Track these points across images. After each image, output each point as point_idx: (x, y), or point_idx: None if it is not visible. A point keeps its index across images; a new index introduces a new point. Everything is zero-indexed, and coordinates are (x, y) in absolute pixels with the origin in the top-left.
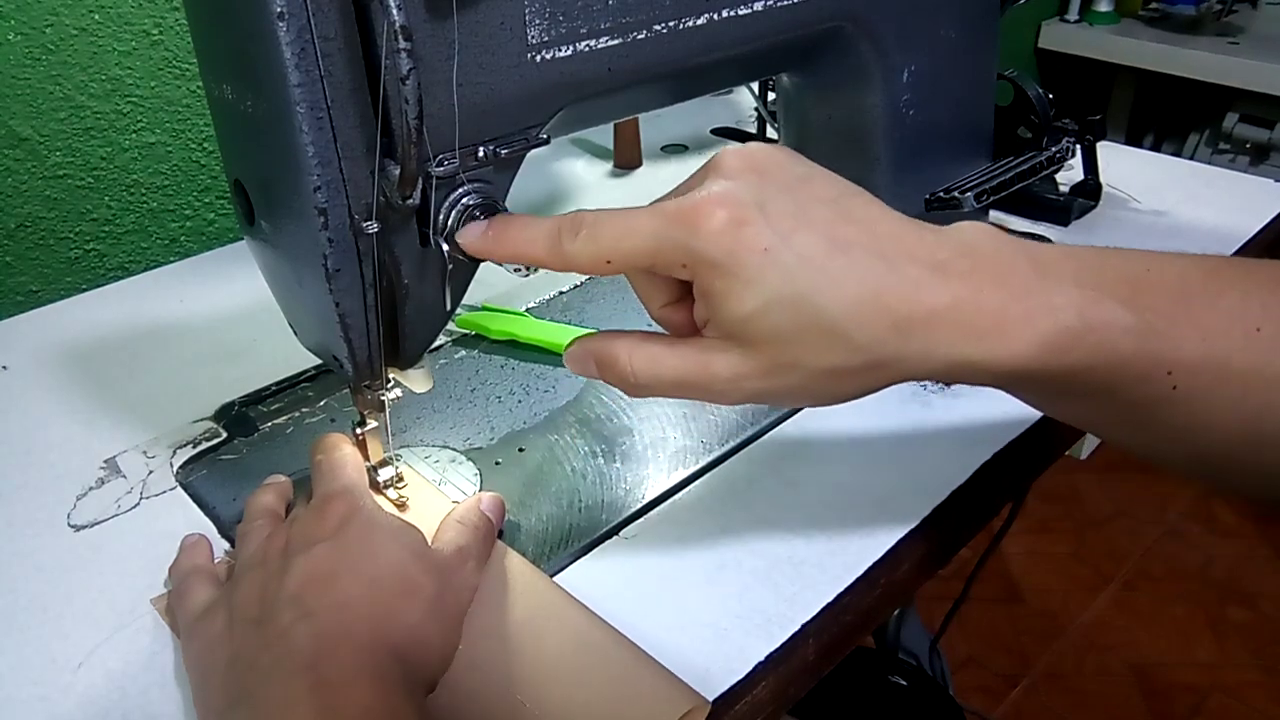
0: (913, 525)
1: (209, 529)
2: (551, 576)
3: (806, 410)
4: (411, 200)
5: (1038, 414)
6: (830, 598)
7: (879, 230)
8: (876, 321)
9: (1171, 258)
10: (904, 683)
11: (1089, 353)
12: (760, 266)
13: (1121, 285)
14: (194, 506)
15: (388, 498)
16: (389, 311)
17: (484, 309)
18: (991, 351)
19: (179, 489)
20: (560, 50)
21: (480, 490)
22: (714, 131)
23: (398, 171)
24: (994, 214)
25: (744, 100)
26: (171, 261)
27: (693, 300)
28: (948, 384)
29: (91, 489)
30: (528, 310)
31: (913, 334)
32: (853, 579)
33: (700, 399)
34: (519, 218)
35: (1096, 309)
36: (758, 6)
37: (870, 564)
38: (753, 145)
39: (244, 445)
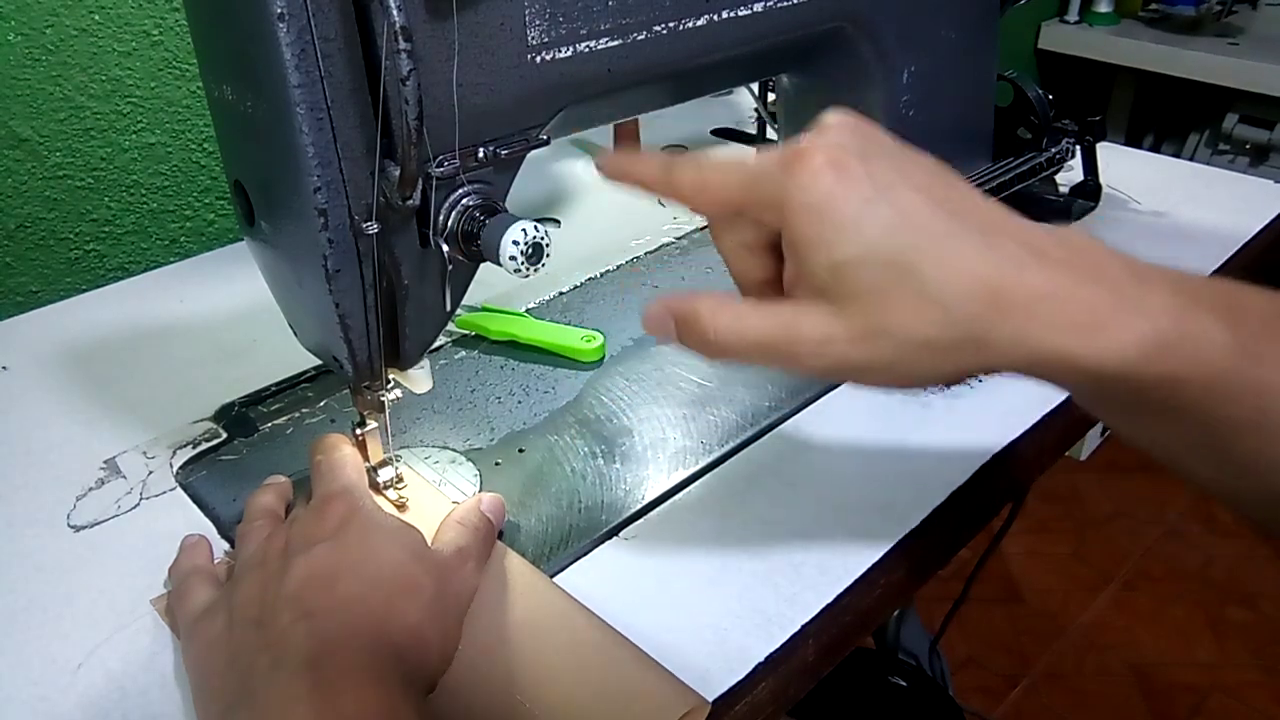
0: (913, 526)
1: (209, 529)
2: (551, 577)
3: (807, 410)
4: (411, 201)
5: (1038, 415)
6: (830, 598)
7: (980, 206)
8: (975, 294)
9: (1257, 288)
10: (904, 683)
11: (1182, 363)
12: (858, 215)
13: (1217, 301)
14: (194, 507)
15: (387, 498)
16: (389, 312)
17: (484, 309)
18: (1086, 347)
19: (179, 489)
20: (560, 51)
21: (480, 491)
22: (714, 132)
23: (398, 172)
24: None
25: (744, 101)
26: (171, 262)
27: (782, 271)
28: (1037, 378)
29: (91, 489)
30: (528, 311)
31: (1009, 314)
32: (852, 579)
33: (784, 365)
34: (641, 154)
35: (1193, 319)
36: (758, 7)
37: (870, 565)
38: (853, 114)
39: (244, 445)
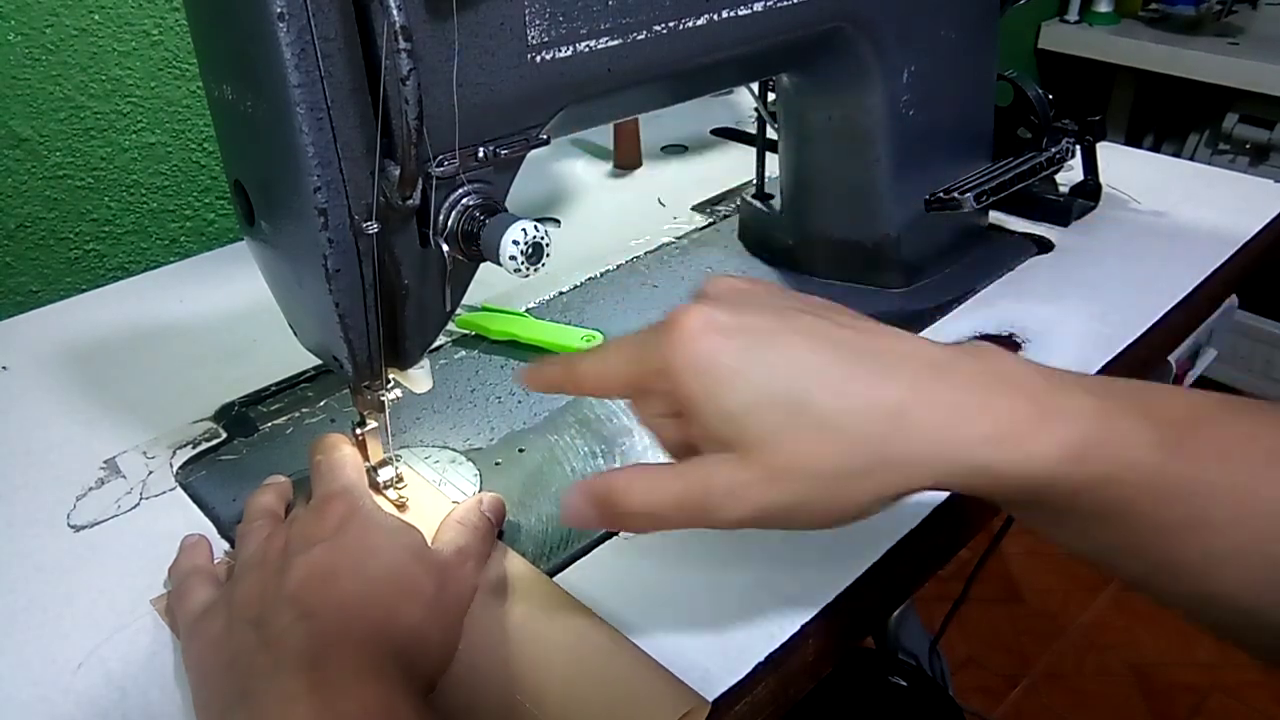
0: (913, 525)
1: (209, 529)
2: (551, 576)
3: None
4: (411, 201)
5: None
6: (830, 598)
7: (877, 338)
8: (875, 417)
9: (1168, 387)
10: (904, 683)
11: (1110, 465)
12: (739, 365)
13: (1134, 400)
14: (194, 507)
15: (387, 498)
16: (389, 311)
17: (484, 309)
18: (1006, 456)
19: (179, 489)
20: (560, 50)
21: (480, 490)
22: (714, 132)
23: (398, 172)
24: (994, 214)
25: (744, 100)
26: (171, 261)
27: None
28: (960, 491)
29: (91, 489)
30: (527, 310)
31: (916, 432)
32: (852, 579)
33: (705, 520)
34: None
35: (1117, 419)
36: (758, 7)
37: (870, 564)
38: (737, 277)
39: (244, 445)
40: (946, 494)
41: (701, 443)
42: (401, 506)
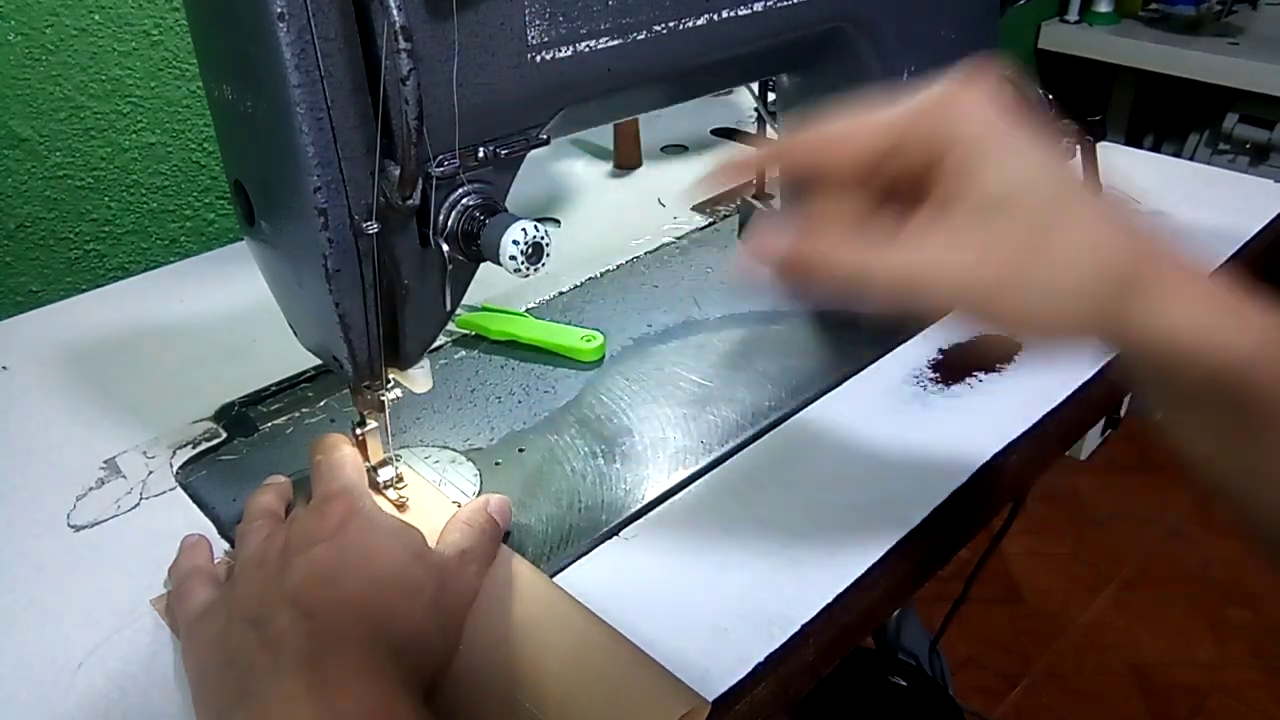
0: (913, 525)
1: (209, 529)
2: (551, 577)
3: (807, 410)
4: (411, 200)
5: (1037, 415)
6: (830, 598)
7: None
8: (1125, 243)
9: None
10: (904, 683)
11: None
12: (1022, 142)
13: None
14: (194, 507)
15: (388, 498)
16: (389, 311)
17: (483, 309)
18: (1225, 331)
19: (179, 489)
20: (560, 50)
21: (480, 490)
22: (714, 132)
23: (398, 172)
24: None
25: (744, 100)
26: (171, 261)
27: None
28: (1152, 372)
29: (91, 489)
30: (527, 310)
31: (1150, 284)
32: (853, 579)
33: (925, 298)
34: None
35: None
36: (758, 7)
37: (870, 564)
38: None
39: (244, 445)
40: (946, 494)
41: (947, 212)
42: (401, 506)
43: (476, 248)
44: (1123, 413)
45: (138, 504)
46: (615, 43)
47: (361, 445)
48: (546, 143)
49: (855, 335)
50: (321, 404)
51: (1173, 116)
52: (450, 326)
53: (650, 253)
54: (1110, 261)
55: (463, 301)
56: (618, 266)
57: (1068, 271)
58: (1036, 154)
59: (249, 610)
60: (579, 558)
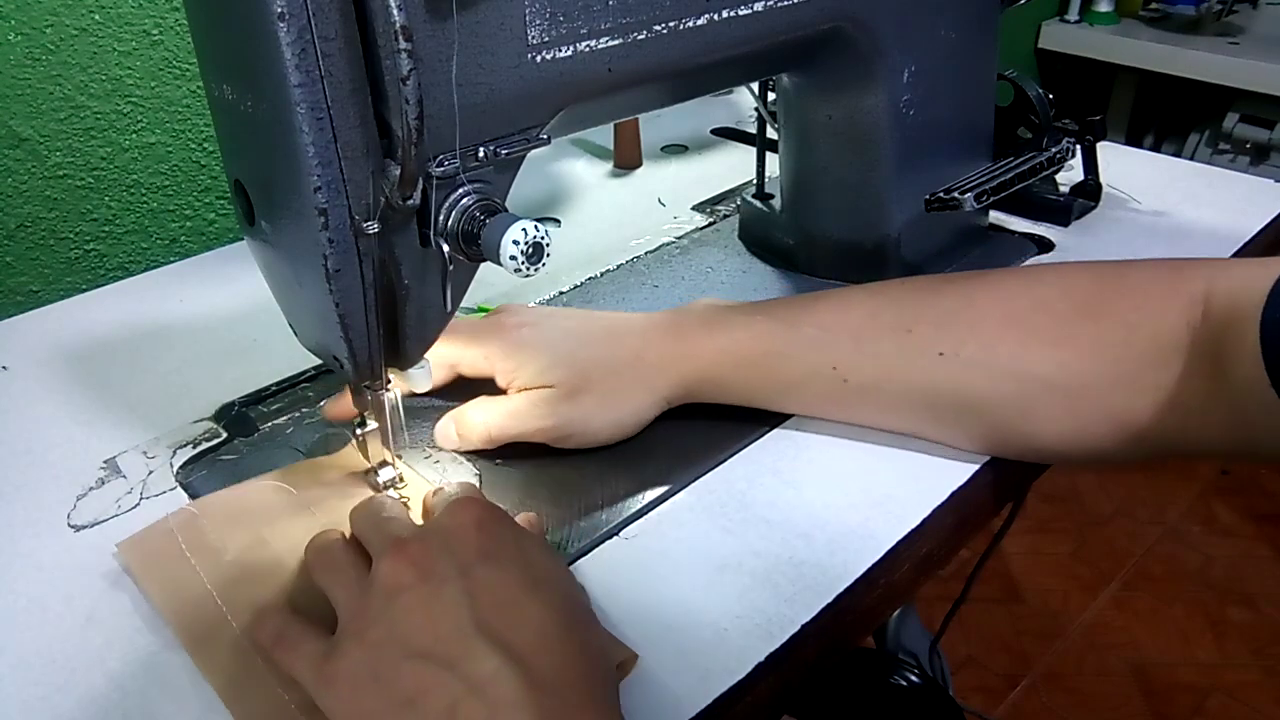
0: (913, 525)
1: None
2: None
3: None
4: (411, 200)
5: None
6: (830, 598)
7: (609, 315)
8: (623, 356)
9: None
10: (904, 683)
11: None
12: (538, 339)
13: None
14: None
15: (388, 498)
16: (389, 311)
17: (479, 310)
18: (693, 365)
19: (179, 489)
20: (560, 50)
21: (480, 490)
22: (714, 131)
23: (398, 172)
24: (994, 214)
25: (744, 100)
26: (171, 261)
27: None
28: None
29: (91, 489)
30: None
31: (646, 363)
32: (853, 579)
33: (526, 429)
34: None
35: (758, 322)
36: (758, 7)
37: (870, 564)
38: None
39: (244, 445)
40: (946, 494)
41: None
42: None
43: (477, 248)
44: None
45: (138, 504)
46: (615, 43)
47: (362, 446)
48: (547, 143)
49: None
50: (321, 404)
51: (1173, 116)
52: None
53: (650, 253)
54: (617, 373)
55: (462, 302)
56: (618, 266)
57: (599, 396)
58: (548, 343)
59: (418, 643)
60: (579, 557)
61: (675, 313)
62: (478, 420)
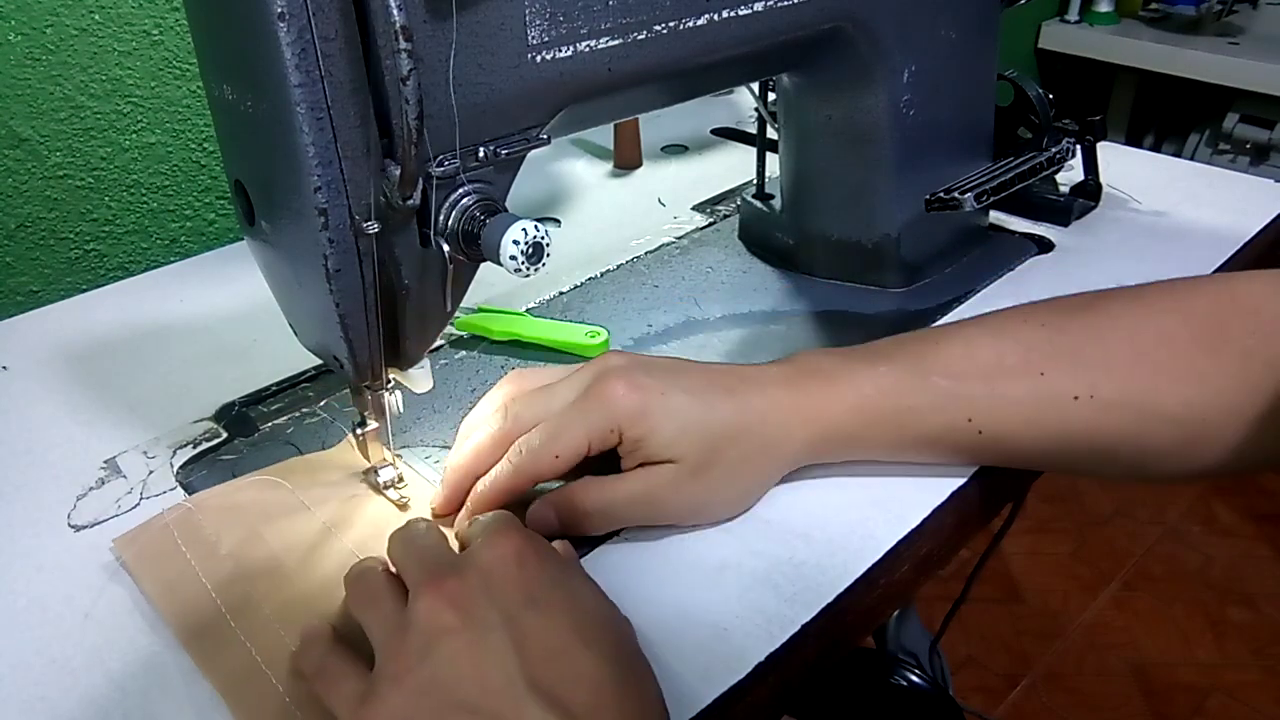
0: (913, 525)
1: None
2: None
3: None
4: (411, 201)
5: None
6: (830, 598)
7: (729, 370)
8: (744, 420)
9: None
10: (904, 683)
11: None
12: (665, 407)
13: (905, 353)
14: None
15: (389, 499)
16: (389, 312)
17: (480, 310)
18: (823, 426)
19: (179, 489)
20: (560, 50)
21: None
22: (714, 131)
23: (398, 172)
24: (994, 214)
25: (744, 100)
26: (171, 261)
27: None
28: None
29: (91, 489)
30: (527, 310)
31: (769, 425)
32: (853, 579)
33: (647, 515)
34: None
35: (883, 374)
36: (758, 7)
37: (870, 564)
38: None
39: (244, 445)
40: (946, 494)
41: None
42: (403, 507)
43: (477, 248)
44: None
45: (138, 504)
46: (615, 43)
47: (362, 446)
48: (547, 143)
49: (855, 334)
50: (322, 404)
51: (1173, 116)
52: (449, 329)
53: (650, 253)
54: (743, 440)
55: (462, 302)
56: (618, 266)
57: (726, 468)
58: (672, 402)
59: (462, 695)
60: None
61: (790, 366)
62: (592, 509)
